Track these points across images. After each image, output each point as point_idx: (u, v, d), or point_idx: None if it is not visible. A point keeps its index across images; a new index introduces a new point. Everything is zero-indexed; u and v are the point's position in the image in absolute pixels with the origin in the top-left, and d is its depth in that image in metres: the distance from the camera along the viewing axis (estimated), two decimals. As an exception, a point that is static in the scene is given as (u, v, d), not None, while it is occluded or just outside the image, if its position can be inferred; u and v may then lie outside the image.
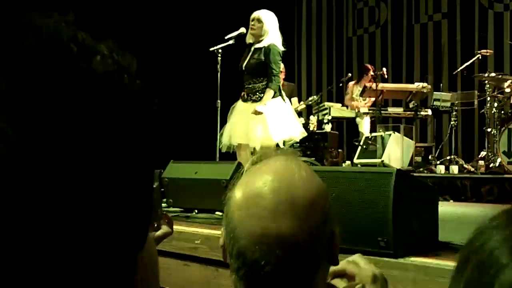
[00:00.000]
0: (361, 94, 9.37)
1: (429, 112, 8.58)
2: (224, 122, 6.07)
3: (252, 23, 5.87)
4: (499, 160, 6.93)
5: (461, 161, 7.67)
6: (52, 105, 0.47)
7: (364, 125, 9.12)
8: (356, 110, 9.29)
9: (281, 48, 5.89)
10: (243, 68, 5.90)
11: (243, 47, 6.12)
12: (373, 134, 8.28)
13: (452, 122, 8.15)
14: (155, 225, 1.65)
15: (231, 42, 6.18)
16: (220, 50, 6.19)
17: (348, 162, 8.79)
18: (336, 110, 9.61)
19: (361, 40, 11.85)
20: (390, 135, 7.92)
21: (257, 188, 1.05)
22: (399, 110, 8.97)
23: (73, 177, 0.47)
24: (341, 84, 10.22)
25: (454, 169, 7.37)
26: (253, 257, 1.02)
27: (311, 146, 8.66)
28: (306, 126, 8.97)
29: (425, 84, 8.66)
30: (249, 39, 6.00)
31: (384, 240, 2.51)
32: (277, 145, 5.68)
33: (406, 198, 2.58)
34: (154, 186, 1.71)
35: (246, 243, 1.02)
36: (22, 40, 0.49)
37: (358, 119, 9.30)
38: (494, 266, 0.61)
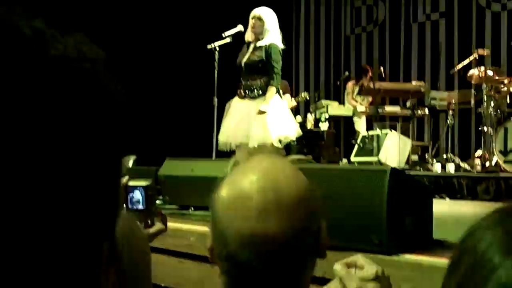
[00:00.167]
0: (359, 93, 9.38)
1: (426, 111, 8.59)
2: (220, 119, 6.07)
3: (253, 21, 5.85)
4: (495, 159, 6.94)
5: (458, 160, 7.68)
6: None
7: (361, 124, 9.13)
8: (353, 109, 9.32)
9: (281, 46, 5.89)
10: (242, 65, 5.88)
11: (240, 44, 6.12)
12: (370, 132, 8.30)
13: (448, 121, 8.16)
14: (149, 222, 1.65)
15: (228, 39, 6.18)
16: (217, 47, 6.20)
17: (345, 160, 8.81)
18: (334, 108, 9.62)
19: (359, 38, 11.85)
20: (387, 133, 7.93)
21: (243, 188, 1.06)
22: (396, 108, 8.98)
23: (25, 164, 0.45)
24: (338, 83, 10.21)
25: (451, 167, 7.38)
26: (243, 258, 1.02)
27: (308, 144, 8.67)
28: (303, 124, 8.99)
29: (422, 83, 8.68)
30: (248, 37, 5.98)
31: (377, 237, 2.52)
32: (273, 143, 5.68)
33: (400, 196, 2.59)
34: (149, 183, 1.71)
35: (236, 245, 1.03)
36: None
37: (355, 118, 9.31)
38: (487, 266, 0.61)
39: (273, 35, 5.84)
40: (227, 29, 6.20)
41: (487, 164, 7.06)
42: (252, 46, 5.92)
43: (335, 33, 12.17)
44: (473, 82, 7.48)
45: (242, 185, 1.06)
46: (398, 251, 2.56)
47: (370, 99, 9.17)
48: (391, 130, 8.08)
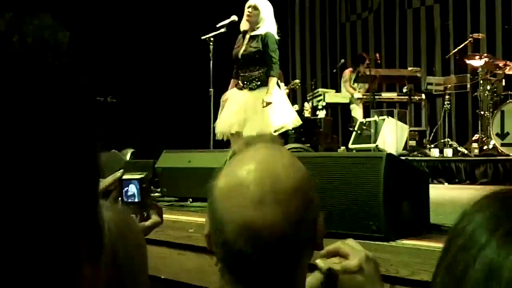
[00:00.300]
0: (355, 80, 9.38)
1: (423, 96, 8.59)
2: (217, 110, 6.07)
3: (249, 10, 5.83)
4: (492, 142, 6.96)
5: (455, 144, 7.69)
6: None
7: (358, 111, 9.14)
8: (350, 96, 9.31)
9: (276, 36, 5.88)
10: (239, 57, 5.87)
11: (235, 35, 6.11)
12: (367, 119, 8.30)
13: (445, 106, 8.17)
14: (145, 215, 1.65)
15: (222, 30, 6.16)
16: (212, 38, 6.19)
17: (343, 148, 8.82)
18: (330, 96, 9.62)
19: (354, 25, 11.82)
20: (384, 120, 7.93)
21: (240, 177, 1.06)
22: (393, 95, 8.98)
23: None
24: (334, 70, 10.20)
25: (448, 152, 7.39)
26: (238, 246, 1.03)
27: (305, 132, 8.67)
28: (300, 112, 8.99)
29: (418, 69, 8.68)
30: (243, 27, 5.97)
31: (375, 223, 2.52)
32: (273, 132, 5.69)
33: (396, 182, 2.60)
34: (143, 175, 1.71)
35: (231, 233, 1.03)
36: None
37: (352, 105, 9.31)
38: (474, 246, 0.62)
39: (268, 24, 5.83)
40: (221, 20, 6.18)
41: (485, 147, 7.08)
42: (247, 36, 5.90)
43: (330, 20, 12.14)
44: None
45: (240, 174, 1.06)
46: (396, 237, 2.57)
47: (367, 86, 9.16)
48: (388, 117, 8.07)
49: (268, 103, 5.64)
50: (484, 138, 7.18)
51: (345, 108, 9.66)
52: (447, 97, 8.15)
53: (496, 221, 0.63)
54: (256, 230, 1.02)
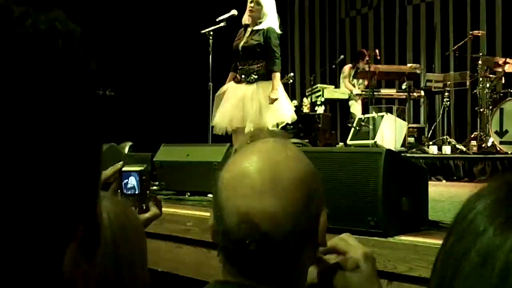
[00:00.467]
0: (354, 76, 9.37)
1: (422, 93, 8.59)
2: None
3: (251, 5, 5.82)
4: (491, 140, 6.96)
5: (454, 142, 7.70)
6: None
7: (357, 107, 9.14)
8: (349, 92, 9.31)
9: (278, 31, 5.87)
10: (239, 49, 5.85)
11: (235, 29, 6.09)
12: (366, 115, 8.30)
13: (444, 103, 8.17)
14: (144, 207, 1.65)
15: (222, 24, 6.15)
16: (211, 32, 6.17)
17: (341, 144, 8.82)
18: (329, 91, 9.61)
19: (354, 21, 11.80)
20: (382, 116, 7.94)
21: (243, 168, 1.07)
22: (392, 91, 8.98)
23: None
24: (333, 66, 10.19)
25: (447, 149, 7.39)
26: (238, 235, 1.03)
27: (304, 127, 8.68)
28: (299, 108, 8.98)
29: (417, 65, 8.68)
30: (245, 20, 5.95)
31: (373, 219, 2.52)
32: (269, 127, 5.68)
33: (395, 178, 2.60)
34: (143, 168, 1.71)
35: (231, 222, 1.04)
36: None
37: (351, 101, 9.31)
38: (472, 233, 0.62)
39: (271, 20, 5.82)
40: (221, 14, 6.17)
41: (483, 145, 7.08)
42: (249, 30, 5.89)
43: (330, 16, 12.12)
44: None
45: (243, 165, 1.08)
46: (394, 233, 2.57)
47: (366, 82, 9.16)
48: (387, 113, 8.08)
49: (274, 100, 5.65)
50: (483, 136, 7.19)
51: (344, 104, 9.66)
52: (446, 94, 8.16)
53: (497, 208, 0.62)
54: (256, 219, 1.02)
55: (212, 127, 5.97)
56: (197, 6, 9.68)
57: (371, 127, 7.90)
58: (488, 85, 7.29)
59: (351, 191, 2.60)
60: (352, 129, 8.31)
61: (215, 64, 6.18)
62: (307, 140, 7.91)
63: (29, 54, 0.47)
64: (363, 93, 9.01)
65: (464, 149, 7.37)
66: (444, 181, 6.57)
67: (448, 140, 7.73)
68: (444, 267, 0.65)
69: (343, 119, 10.01)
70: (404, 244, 2.51)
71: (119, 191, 1.66)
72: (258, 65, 5.78)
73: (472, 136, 7.75)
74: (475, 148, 7.27)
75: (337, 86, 9.97)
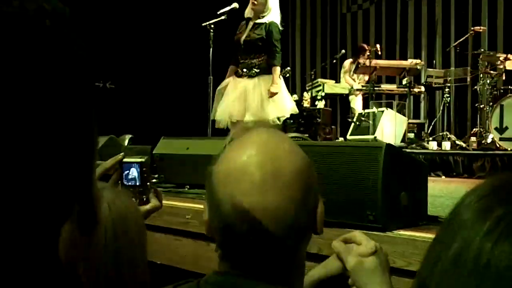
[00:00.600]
0: (355, 71, 9.36)
1: (422, 88, 8.59)
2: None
3: None
4: (491, 136, 6.96)
5: (453, 138, 7.70)
6: None
7: (356, 102, 9.13)
8: (350, 87, 9.30)
9: (280, 26, 5.87)
10: (241, 42, 5.84)
11: (236, 23, 6.08)
12: (366, 110, 8.30)
13: (444, 99, 8.17)
14: (144, 199, 1.65)
15: (223, 17, 6.14)
16: (212, 25, 6.16)
17: (341, 139, 8.82)
18: (330, 86, 9.60)
19: (355, 16, 11.79)
20: (383, 111, 7.93)
21: (241, 162, 1.05)
22: (392, 86, 8.97)
23: None
24: (334, 61, 10.18)
25: (446, 145, 7.40)
26: (239, 231, 1.02)
27: (304, 122, 8.68)
28: (299, 102, 8.97)
29: (418, 61, 8.67)
30: (248, 13, 5.94)
31: (373, 214, 2.52)
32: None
33: (395, 173, 2.59)
34: (144, 160, 1.71)
35: (232, 218, 1.02)
36: None
37: (351, 96, 9.30)
38: (457, 222, 0.65)
39: (274, 14, 5.82)
40: (222, 6, 6.16)
41: (483, 141, 7.08)
42: (251, 23, 5.88)
43: (331, 11, 12.10)
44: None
45: (241, 158, 1.05)
46: (393, 227, 2.57)
47: (367, 77, 9.15)
48: (387, 108, 8.08)
49: (274, 93, 5.64)
50: (483, 132, 7.19)
51: (344, 99, 9.66)
52: (446, 90, 8.15)
53: (481, 201, 0.65)
54: (257, 214, 1.01)
55: (213, 120, 5.96)
56: (198, -1, 9.66)
57: (371, 122, 7.90)
58: (488, 81, 7.29)
59: (351, 185, 2.60)
60: (352, 124, 8.31)
61: (215, 57, 6.17)
62: (307, 135, 7.90)
63: (16, 33, 0.47)
64: (364, 88, 9.00)
65: (464, 145, 7.38)
66: (443, 177, 6.58)
67: (448, 136, 7.73)
68: (430, 254, 0.70)
69: (343, 114, 10.00)
70: (403, 239, 2.51)
71: (119, 182, 1.66)
72: (260, 59, 5.77)
73: (472, 132, 7.75)
74: (474, 144, 7.27)
75: (337, 81, 9.97)
